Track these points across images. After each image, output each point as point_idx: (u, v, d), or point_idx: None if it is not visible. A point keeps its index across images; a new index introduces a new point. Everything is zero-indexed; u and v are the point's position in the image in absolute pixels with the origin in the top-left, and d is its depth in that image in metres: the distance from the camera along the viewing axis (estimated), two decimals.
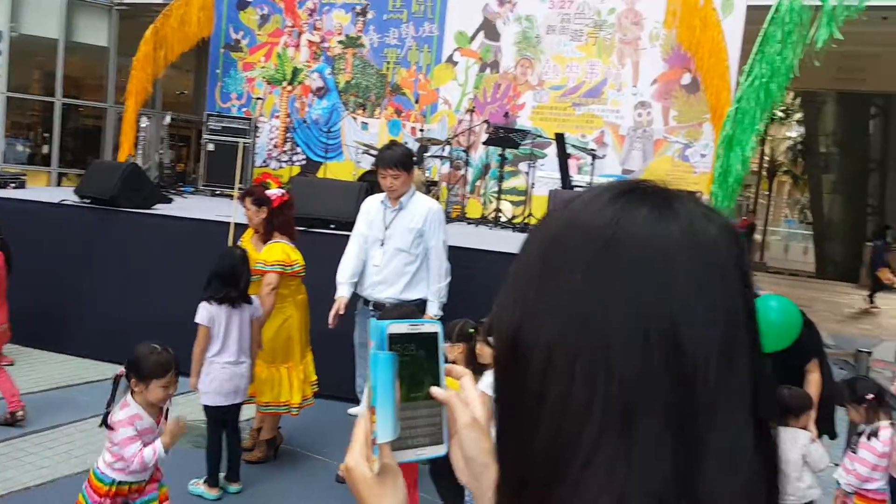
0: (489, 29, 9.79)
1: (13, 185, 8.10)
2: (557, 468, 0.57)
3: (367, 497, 0.80)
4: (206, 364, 3.91)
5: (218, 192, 9.85)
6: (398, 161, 4.16)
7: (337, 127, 10.31)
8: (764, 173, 26.37)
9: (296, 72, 10.78)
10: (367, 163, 9.23)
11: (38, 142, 16.17)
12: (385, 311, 4.00)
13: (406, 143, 9.09)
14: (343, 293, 4.28)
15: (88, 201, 6.67)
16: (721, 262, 0.59)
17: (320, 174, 9.92)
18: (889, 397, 3.58)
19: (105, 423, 2.97)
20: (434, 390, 0.81)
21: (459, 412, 0.82)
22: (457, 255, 4.75)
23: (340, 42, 10.53)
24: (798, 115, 25.00)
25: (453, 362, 3.83)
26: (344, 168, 9.93)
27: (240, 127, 10.06)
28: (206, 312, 3.86)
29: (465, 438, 0.82)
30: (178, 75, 15.15)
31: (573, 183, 8.32)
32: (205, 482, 3.99)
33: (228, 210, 5.82)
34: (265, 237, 4.42)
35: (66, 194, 7.06)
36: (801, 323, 3.56)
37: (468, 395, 0.86)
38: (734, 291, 0.59)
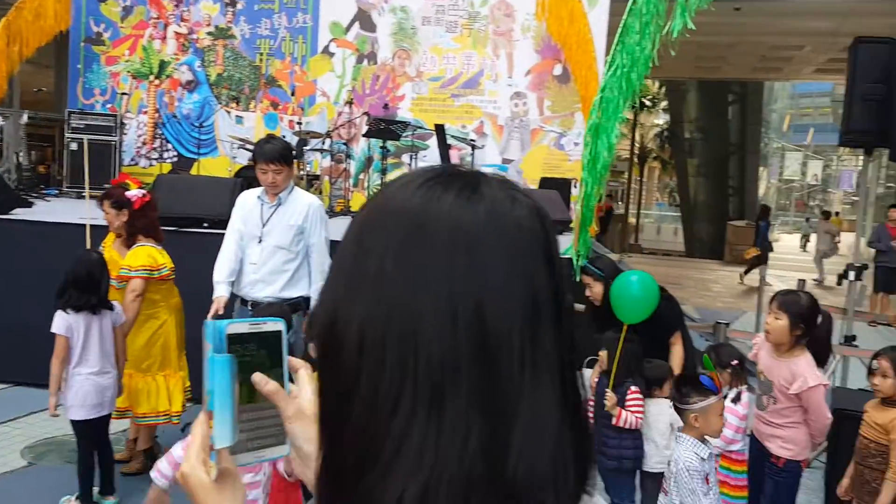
0: (364, 20, 9.72)
1: None
2: (370, 455, 0.57)
3: (204, 502, 0.77)
4: (69, 377, 3.69)
5: (83, 194, 9.29)
6: (279, 155, 4.02)
7: (210, 121, 9.96)
8: (635, 160, 27.64)
9: (163, 65, 10.32)
10: (243, 158, 8.97)
11: None
12: (257, 310, 3.91)
13: (284, 136, 8.90)
14: (221, 293, 4.14)
15: None
16: (525, 242, 0.61)
17: (194, 171, 9.56)
18: (748, 364, 3.84)
19: None
20: (257, 381, 0.78)
21: (284, 404, 0.80)
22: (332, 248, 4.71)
23: (210, 33, 10.15)
24: (664, 104, 26.36)
25: None
26: (219, 164, 9.61)
27: (104, 124, 9.54)
28: (63, 322, 3.64)
29: (292, 430, 0.81)
30: (37, 71, 14.19)
31: None
32: (77, 498, 3.78)
33: (96, 213, 5.52)
34: (128, 241, 4.20)
35: None
36: (659, 295, 3.75)
37: (301, 388, 0.85)
38: (538, 270, 0.61)
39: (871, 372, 3.40)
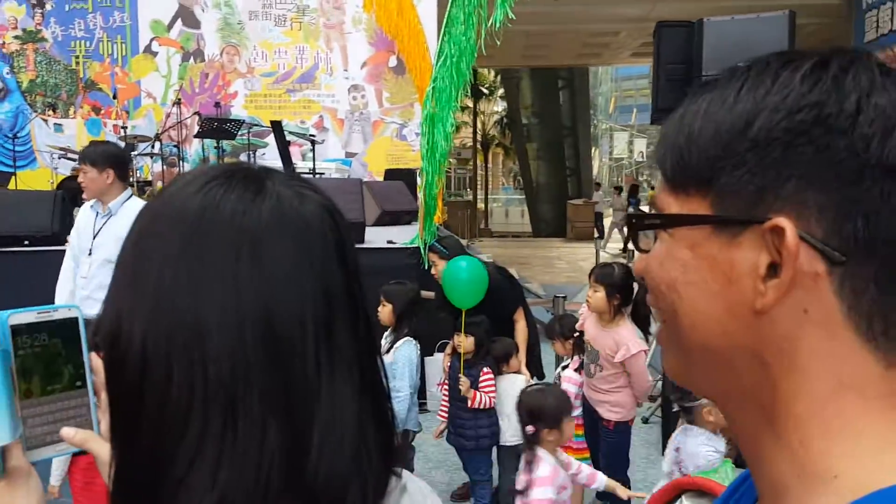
0: (187, 16, 9.33)
1: None
2: (161, 472, 0.55)
3: None
4: None
5: None
6: (85, 157, 3.77)
7: (25, 132, 9.20)
8: (479, 147, 28.40)
9: None
10: (65, 168, 8.38)
11: None
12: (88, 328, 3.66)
13: (109, 142, 8.39)
14: None
15: None
16: (312, 239, 0.59)
17: (11, 186, 8.79)
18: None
19: None
20: (66, 434, 0.75)
21: (100, 452, 0.75)
22: None
23: (17, 37, 9.35)
24: (501, 91, 27.24)
25: None
26: (40, 176, 8.91)
27: None
28: None
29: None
30: None
31: (296, 169, 8.30)
32: None
33: None
34: None
35: None
36: (487, 278, 3.79)
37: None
38: (328, 267, 0.59)
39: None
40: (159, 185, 8.75)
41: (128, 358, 0.57)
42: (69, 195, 6.08)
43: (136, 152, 8.45)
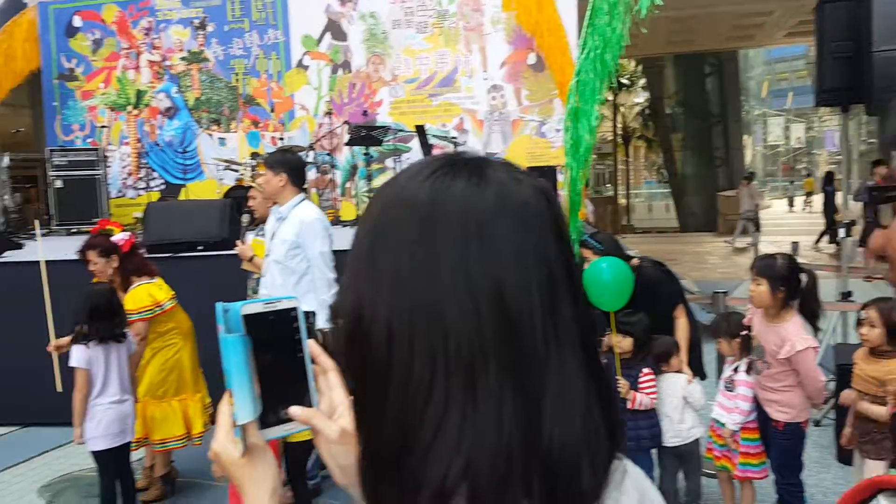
0: (335, 29, 9.75)
1: None
2: (408, 440, 0.60)
3: (238, 477, 0.82)
4: (90, 408, 3.71)
5: (74, 231, 9.29)
6: (267, 161, 4.15)
7: (193, 146, 9.97)
8: (620, 141, 27.70)
9: (140, 94, 10.32)
10: (230, 179, 9.00)
11: None
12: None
13: (268, 153, 8.93)
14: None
15: None
16: (534, 220, 0.64)
17: (182, 196, 9.57)
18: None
19: None
20: (293, 412, 0.81)
21: (324, 428, 0.82)
22: (336, 259, 4.70)
23: (183, 59, 10.16)
24: (642, 82, 26.41)
25: None
26: (207, 187, 9.62)
27: (87, 159, 9.53)
28: (83, 355, 3.66)
29: (336, 451, 0.83)
30: (12, 113, 14.13)
31: None
32: None
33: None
34: (123, 285, 4.19)
35: None
36: (632, 276, 3.59)
37: (335, 395, 0.86)
38: (549, 246, 0.64)
39: (859, 323, 3.43)
40: (314, 192, 9.21)
41: (372, 338, 0.62)
42: (235, 204, 6.52)
43: None
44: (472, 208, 0.62)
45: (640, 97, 28.87)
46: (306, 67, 9.82)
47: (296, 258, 4.06)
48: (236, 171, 9.03)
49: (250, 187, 4.98)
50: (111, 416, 3.72)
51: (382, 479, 0.63)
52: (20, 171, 13.41)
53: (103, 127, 10.30)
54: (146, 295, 4.13)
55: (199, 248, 5.95)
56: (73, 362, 3.66)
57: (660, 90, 24.47)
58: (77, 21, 10.40)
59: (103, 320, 3.69)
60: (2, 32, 10.53)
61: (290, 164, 4.10)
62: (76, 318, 3.70)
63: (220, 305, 0.81)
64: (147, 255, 5.78)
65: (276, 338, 0.82)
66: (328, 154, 9.14)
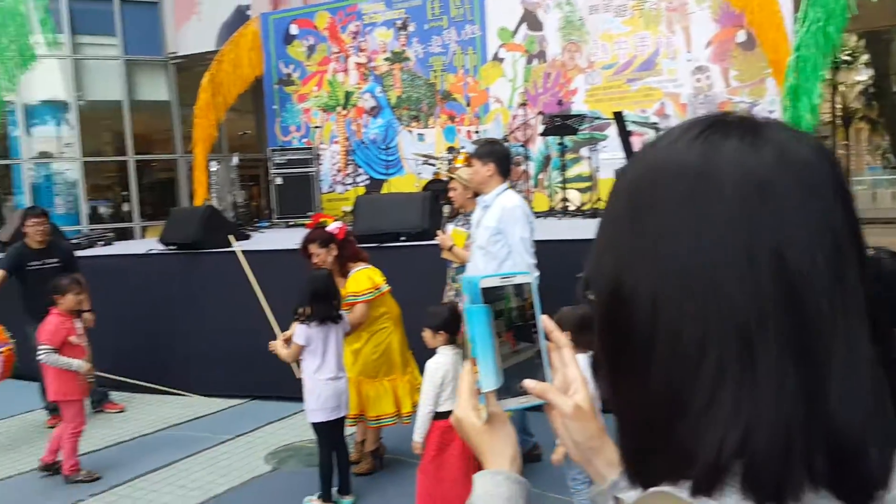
0: (531, 20, 9.75)
1: (101, 243, 8.54)
2: (678, 408, 0.57)
3: (479, 444, 0.84)
4: (311, 383, 4.03)
5: (292, 223, 10.13)
6: (475, 152, 4.32)
7: (394, 143, 10.46)
8: (839, 122, 25.25)
9: (348, 95, 11.00)
10: (427, 173, 9.32)
11: (118, 201, 16.96)
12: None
13: (463, 147, 9.14)
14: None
15: (174, 247, 6.97)
16: (817, 181, 0.59)
17: (384, 191, 10.07)
18: None
19: None
20: (528, 385, 0.82)
21: (560, 402, 0.82)
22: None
23: (387, 59, 10.68)
24: (865, 57, 23.86)
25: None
26: (406, 182, 10.06)
27: (303, 157, 10.33)
28: (304, 333, 3.99)
29: (571, 427, 0.83)
30: (238, 117, 15.67)
31: None
32: (319, 498, 4.11)
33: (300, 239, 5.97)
34: (340, 271, 4.49)
35: (151, 245, 7.41)
36: None
37: (569, 372, 0.85)
38: (833, 209, 0.59)
39: None
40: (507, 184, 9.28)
41: (635, 304, 0.60)
42: (434, 196, 6.74)
43: None
44: (749, 168, 0.58)
45: (863, 74, 26.09)
46: (501, 60, 9.92)
47: (497, 244, 4.17)
48: (433, 165, 9.34)
49: (451, 178, 5.11)
50: (328, 391, 4.01)
51: (650, 449, 0.60)
52: (245, 171, 14.86)
53: (316, 127, 11.10)
54: (366, 278, 4.41)
55: (402, 238, 6.22)
56: (295, 339, 4.00)
57: (886, 66, 21.94)
58: (293, 29, 11.29)
59: (323, 302, 3.99)
60: (229, 43, 11.68)
61: (497, 155, 4.24)
62: (300, 301, 4.02)
63: (464, 277, 0.85)
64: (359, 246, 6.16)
65: (511, 311, 0.84)
66: (522, 145, 9.17)
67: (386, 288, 4.51)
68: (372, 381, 4.50)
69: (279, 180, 10.31)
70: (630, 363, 0.62)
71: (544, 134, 8.90)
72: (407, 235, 6.17)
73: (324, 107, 11.16)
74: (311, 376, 4.03)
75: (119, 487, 4.58)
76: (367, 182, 10.79)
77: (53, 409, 6.00)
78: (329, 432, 4.07)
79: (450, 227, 5.02)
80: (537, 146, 9.59)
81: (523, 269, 3.65)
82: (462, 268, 4.94)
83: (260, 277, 6.42)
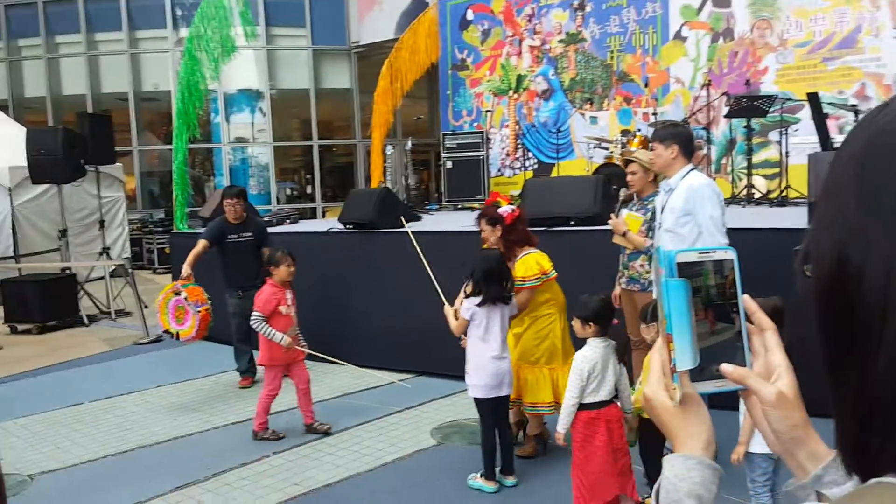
0: None
1: (288, 221, 9.16)
2: None
3: (671, 425, 0.79)
4: (474, 358, 4.08)
5: (460, 206, 10.31)
6: (656, 135, 4.22)
7: (566, 126, 10.30)
8: None
9: (520, 79, 10.97)
10: (599, 157, 9.11)
11: (303, 183, 18.11)
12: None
13: (639, 129, 8.83)
14: None
15: (351, 227, 7.32)
16: None
17: (554, 175, 9.96)
18: None
19: None
20: (725, 370, 0.77)
21: (761, 389, 0.78)
22: None
23: (561, 41, 10.53)
24: None
25: (651, 343, 3.69)
26: (576, 166, 9.88)
27: (473, 141, 10.46)
28: (470, 308, 4.06)
29: (772, 416, 0.78)
30: (413, 103, 16.16)
31: (835, 145, 7.50)
32: (482, 476, 4.15)
33: (468, 221, 6.05)
34: (507, 254, 4.48)
35: (331, 224, 7.83)
36: None
37: (773, 357, 0.80)
38: None
39: None
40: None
41: (864, 281, 0.56)
42: (607, 180, 6.56)
43: None
44: None
45: None
46: (684, 39, 9.46)
47: (686, 225, 4.03)
48: (606, 148, 9.10)
49: (629, 161, 4.94)
50: (491, 369, 4.04)
51: (874, 436, 0.56)
52: (417, 156, 15.33)
53: (487, 111, 11.19)
54: (535, 263, 4.38)
55: (571, 223, 6.11)
56: (462, 313, 4.06)
57: None
58: (469, 14, 11.43)
59: (495, 283, 4.02)
60: (408, 30, 12.05)
61: (680, 136, 4.16)
62: (471, 277, 4.07)
63: (659, 249, 0.79)
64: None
65: (709, 289, 0.78)
66: (704, 128, 8.70)
67: (553, 274, 4.45)
68: (532, 367, 4.47)
69: (449, 164, 10.51)
70: (853, 343, 0.57)
71: (729, 116, 8.38)
72: (577, 220, 6.06)
73: (495, 91, 11.21)
74: (475, 353, 4.07)
75: (299, 447, 4.90)
76: (536, 166, 10.74)
77: (245, 372, 6.54)
78: (490, 410, 4.09)
79: (624, 212, 4.86)
80: (721, 129, 9.07)
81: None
82: (635, 254, 4.78)
83: (428, 257, 6.59)
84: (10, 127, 12.55)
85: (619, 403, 3.63)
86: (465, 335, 4.19)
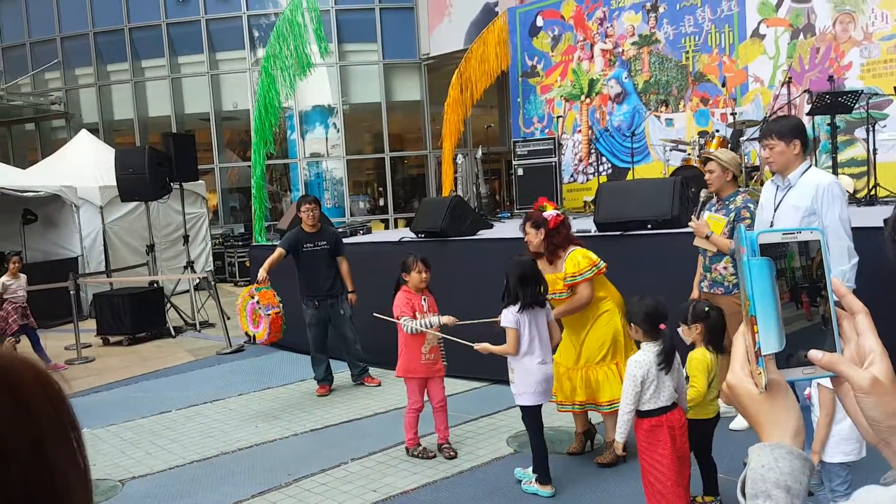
0: None
1: (361, 231, 9.29)
2: None
3: (756, 414, 0.75)
4: (518, 365, 4.07)
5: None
6: (770, 131, 4.00)
7: (640, 129, 10.11)
8: None
9: (592, 83, 10.84)
10: (676, 160, 8.89)
11: (375, 195, 18.37)
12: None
13: (717, 130, 8.59)
14: None
15: (423, 235, 7.37)
16: None
17: (628, 179, 9.78)
18: None
19: None
20: (814, 356, 0.73)
21: (854, 375, 0.73)
22: None
23: (634, 43, 10.36)
24: None
25: (691, 345, 3.58)
26: (652, 169, 9.67)
27: (545, 148, 10.38)
28: (512, 317, 4.05)
29: (866, 404, 0.73)
30: (483, 112, 16.19)
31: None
32: (537, 481, 4.12)
33: None
34: (550, 257, 4.47)
35: (404, 233, 7.90)
36: None
37: (865, 341, 0.75)
38: None
39: None
40: (766, 169, 8.54)
41: None
42: (684, 182, 6.38)
43: (744, 137, 8.44)
44: None
45: None
46: (762, 36, 9.16)
47: (811, 225, 3.84)
48: (683, 150, 8.88)
49: (707, 160, 4.80)
50: (539, 375, 4.04)
51: None
52: (487, 164, 15.33)
53: (559, 117, 11.09)
54: (582, 257, 4.37)
55: (648, 226, 5.98)
56: (504, 323, 4.03)
57: None
58: (539, 21, 11.38)
59: (530, 287, 3.98)
60: (478, 40, 12.08)
61: (800, 130, 3.96)
62: (506, 285, 4.06)
63: (741, 229, 0.75)
64: (599, 234, 6.05)
65: (794, 271, 0.73)
66: None
67: (603, 264, 4.41)
68: (600, 366, 4.43)
69: (521, 171, 10.46)
70: None
71: (811, 113, 8.04)
72: (654, 223, 5.92)
73: (567, 96, 11.11)
74: (519, 360, 4.07)
75: (377, 454, 4.94)
76: (610, 170, 10.57)
77: (322, 380, 6.64)
78: (537, 416, 4.13)
79: (705, 214, 4.72)
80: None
81: (839, 254, 3.31)
82: (718, 257, 4.64)
83: (498, 265, 6.54)
84: (101, 149, 13.21)
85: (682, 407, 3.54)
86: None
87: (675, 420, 3.40)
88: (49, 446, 0.58)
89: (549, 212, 4.57)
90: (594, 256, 4.44)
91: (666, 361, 3.40)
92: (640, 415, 3.43)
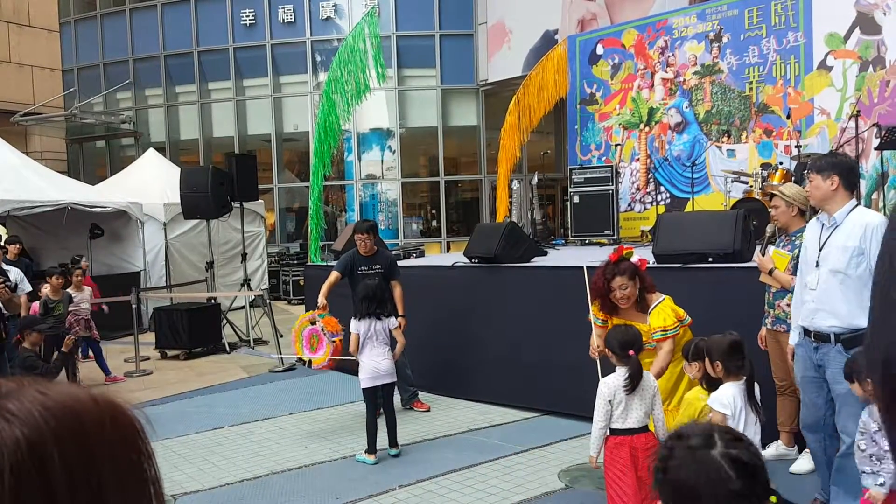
0: (865, 23, 8.65)
1: (415, 254, 9.33)
2: None
3: None
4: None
5: (587, 241, 10.13)
6: (813, 165, 3.91)
7: (701, 159, 9.93)
8: None
9: (651, 112, 10.72)
10: (737, 192, 8.70)
11: (429, 218, 18.46)
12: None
13: (781, 163, 8.38)
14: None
15: (476, 261, 7.35)
16: None
17: (688, 210, 9.60)
18: None
19: None
20: None
21: None
22: None
23: (696, 73, 10.22)
24: None
25: (694, 379, 3.58)
26: (712, 200, 9.48)
27: (602, 175, 10.29)
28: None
29: None
30: (540, 138, 16.17)
31: None
32: (365, 451, 5.06)
33: (596, 257, 5.91)
34: (639, 304, 4.29)
35: (456, 258, 7.90)
36: None
37: None
38: None
39: None
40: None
41: None
42: (747, 215, 6.23)
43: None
44: None
45: None
46: (830, 68, 8.93)
47: (860, 266, 3.68)
48: (745, 182, 8.68)
49: (772, 195, 4.68)
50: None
51: None
52: (542, 191, 15.27)
53: (617, 145, 10.99)
54: (670, 310, 4.22)
55: (710, 259, 5.84)
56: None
57: None
58: (599, 49, 11.34)
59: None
60: (537, 67, 12.11)
61: (840, 167, 3.81)
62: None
63: None
64: (657, 266, 5.93)
65: None
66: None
67: (689, 320, 4.32)
68: (674, 413, 4.28)
69: (576, 198, 10.38)
70: None
71: (880, 148, 7.80)
72: (715, 256, 5.77)
73: (626, 124, 11.01)
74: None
75: (424, 482, 4.90)
76: (668, 200, 10.39)
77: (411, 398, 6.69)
78: (371, 396, 5.06)
79: (770, 249, 4.59)
80: (871, 162, 8.45)
81: None
82: (781, 293, 4.50)
83: (552, 292, 6.48)
84: (167, 167, 13.63)
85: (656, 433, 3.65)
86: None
87: (640, 443, 3.55)
88: (110, 493, 0.57)
89: (636, 256, 4.40)
90: (681, 311, 4.31)
91: (630, 384, 3.57)
92: (609, 432, 3.65)
